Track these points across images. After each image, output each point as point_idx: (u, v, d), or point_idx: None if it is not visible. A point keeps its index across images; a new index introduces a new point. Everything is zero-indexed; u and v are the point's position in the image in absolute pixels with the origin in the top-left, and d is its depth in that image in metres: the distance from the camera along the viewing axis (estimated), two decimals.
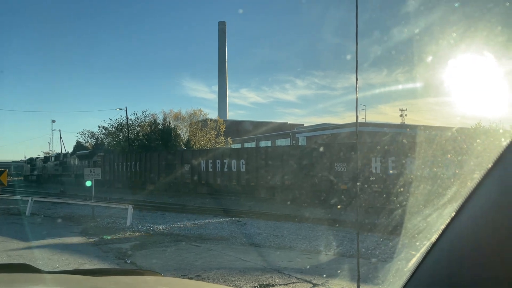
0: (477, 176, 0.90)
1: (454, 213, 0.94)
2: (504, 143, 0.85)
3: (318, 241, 9.74)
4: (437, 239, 0.99)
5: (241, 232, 11.25)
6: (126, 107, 37.87)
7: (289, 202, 18.12)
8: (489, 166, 0.87)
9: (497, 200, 0.87)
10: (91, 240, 10.39)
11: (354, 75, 2.05)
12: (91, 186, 15.07)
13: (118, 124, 38.49)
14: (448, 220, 0.96)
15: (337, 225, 11.79)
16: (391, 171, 14.23)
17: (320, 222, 12.56)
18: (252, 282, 6.39)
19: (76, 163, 36.93)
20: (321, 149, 18.03)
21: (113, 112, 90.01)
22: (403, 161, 13.15)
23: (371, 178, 14.38)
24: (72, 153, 40.57)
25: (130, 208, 12.94)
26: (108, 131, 40.10)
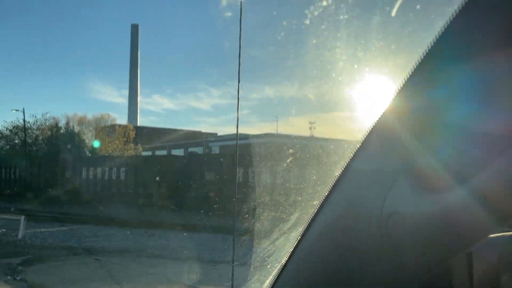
0: (316, 203, 1.06)
1: (300, 236, 1.08)
2: (336, 173, 1.01)
3: (226, 252, 9.84)
4: (287, 261, 1.12)
5: (146, 244, 10.94)
6: (23, 108, 34.62)
7: (178, 219, 18.19)
8: (325, 194, 1.03)
9: (334, 220, 1.03)
10: None
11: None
12: None
13: (13, 127, 35.04)
14: (295, 243, 1.10)
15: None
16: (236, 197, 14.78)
17: (221, 232, 12.63)
18: None
19: None
20: (205, 165, 19.25)
21: (8, 114, 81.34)
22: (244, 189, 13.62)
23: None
24: None
25: (22, 219, 11.85)
26: (2, 134, 36.31)
